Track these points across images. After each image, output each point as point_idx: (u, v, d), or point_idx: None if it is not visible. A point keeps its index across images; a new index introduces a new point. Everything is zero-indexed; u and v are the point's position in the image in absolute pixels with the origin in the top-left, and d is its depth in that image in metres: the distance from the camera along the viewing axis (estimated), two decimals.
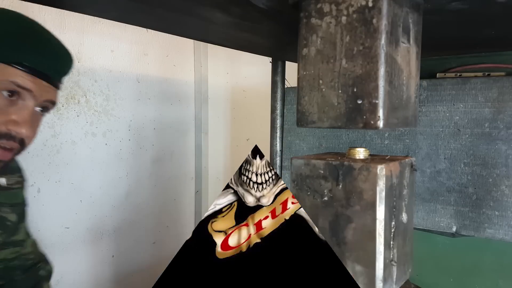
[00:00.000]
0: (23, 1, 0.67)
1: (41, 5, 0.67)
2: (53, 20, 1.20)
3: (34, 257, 0.96)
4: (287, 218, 0.48)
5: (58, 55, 0.80)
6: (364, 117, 0.47)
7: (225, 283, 0.48)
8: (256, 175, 0.50)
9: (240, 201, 0.50)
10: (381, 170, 0.48)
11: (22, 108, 0.75)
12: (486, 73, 0.91)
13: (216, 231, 0.49)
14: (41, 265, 0.98)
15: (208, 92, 1.84)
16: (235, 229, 0.49)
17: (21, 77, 0.73)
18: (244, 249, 0.48)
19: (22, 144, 0.78)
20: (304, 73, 0.51)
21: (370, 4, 0.46)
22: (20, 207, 0.98)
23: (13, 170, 0.99)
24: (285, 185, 0.50)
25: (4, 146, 0.76)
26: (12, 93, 0.73)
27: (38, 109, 0.78)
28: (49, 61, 0.77)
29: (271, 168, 0.50)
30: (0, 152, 0.76)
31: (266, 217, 0.49)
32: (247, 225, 0.49)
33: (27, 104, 0.75)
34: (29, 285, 0.94)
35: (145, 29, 0.84)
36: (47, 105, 0.79)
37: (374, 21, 0.46)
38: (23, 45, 0.74)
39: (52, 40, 0.79)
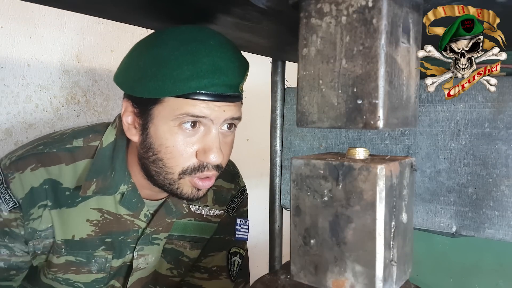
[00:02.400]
0: (23, 1, 0.66)
1: (41, 5, 0.67)
2: (53, 20, 1.20)
3: None
4: None
5: (233, 68, 0.71)
6: (364, 117, 0.47)
7: None
8: None
9: None
10: (381, 170, 0.47)
11: (206, 135, 0.72)
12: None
13: None
14: None
15: None
16: None
17: (195, 107, 0.69)
18: None
19: (218, 168, 0.75)
20: (304, 73, 0.51)
21: (370, 4, 0.46)
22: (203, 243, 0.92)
23: (222, 201, 0.94)
24: None
25: (200, 176, 0.73)
26: (193, 123, 0.71)
27: (223, 129, 0.75)
28: (225, 79, 0.70)
29: None
30: (200, 182, 0.74)
31: None
32: None
33: (209, 130, 0.72)
34: None
35: (145, 29, 0.84)
36: (231, 122, 0.75)
37: (374, 21, 0.46)
38: (195, 73, 0.68)
39: (225, 51, 0.71)
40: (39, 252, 0.79)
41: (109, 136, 0.80)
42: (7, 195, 0.74)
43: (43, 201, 0.76)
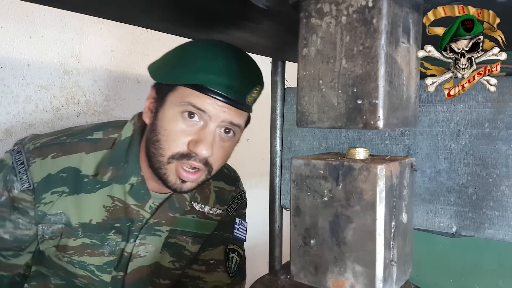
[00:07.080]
0: (23, 1, 0.66)
1: (40, 5, 0.67)
2: (53, 20, 1.20)
3: None
4: None
5: (243, 78, 0.76)
6: (364, 117, 0.47)
7: None
8: None
9: None
10: (381, 170, 0.48)
11: (202, 129, 0.76)
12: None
13: None
14: None
15: None
16: None
17: (199, 99, 0.74)
18: None
19: (207, 165, 0.79)
20: (304, 73, 0.51)
21: (370, 4, 0.46)
22: (203, 239, 0.97)
23: (223, 201, 1.00)
24: None
25: (187, 165, 0.77)
26: (192, 114, 0.75)
27: (220, 130, 0.78)
28: (232, 83, 0.74)
29: None
30: (183, 172, 0.78)
31: None
32: None
33: (206, 125, 0.76)
34: None
35: (145, 29, 0.85)
36: (229, 127, 0.78)
37: (374, 21, 0.46)
38: (207, 68, 0.74)
39: (241, 63, 0.77)
40: (47, 237, 0.83)
41: (128, 131, 0.86)
42: (25, 175, 0.80)
43: (58, 187, 0.81)
